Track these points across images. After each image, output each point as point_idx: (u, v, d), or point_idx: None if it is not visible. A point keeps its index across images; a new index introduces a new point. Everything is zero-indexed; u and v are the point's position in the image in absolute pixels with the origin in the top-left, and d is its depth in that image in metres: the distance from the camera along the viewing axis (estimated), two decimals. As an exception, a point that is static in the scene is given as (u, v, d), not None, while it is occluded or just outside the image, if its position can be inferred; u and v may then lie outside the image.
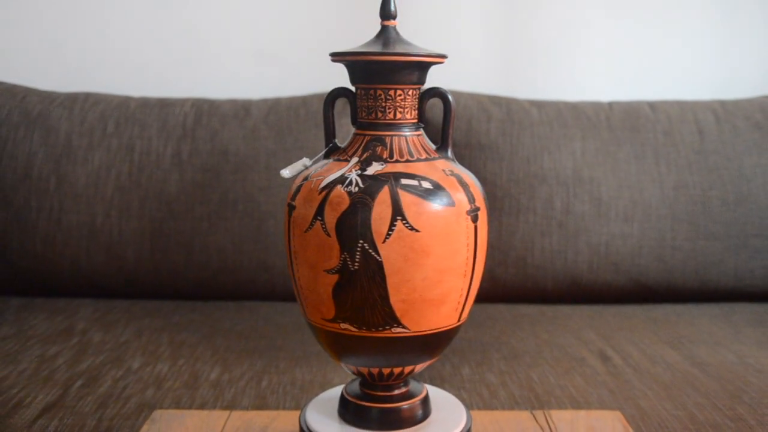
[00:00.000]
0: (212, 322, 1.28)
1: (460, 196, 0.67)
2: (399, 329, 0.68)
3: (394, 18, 0.72)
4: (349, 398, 0.75)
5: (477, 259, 0.69)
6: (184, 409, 0.91)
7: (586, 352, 1.16)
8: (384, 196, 0.65)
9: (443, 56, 0.71)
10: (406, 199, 0.65)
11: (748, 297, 1.44)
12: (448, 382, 1.06)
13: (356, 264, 0.65)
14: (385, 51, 0.68)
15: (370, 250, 0.65)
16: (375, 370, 0.72)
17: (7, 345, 1.15)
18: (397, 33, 0.71)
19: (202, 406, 0.96)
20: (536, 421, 0.82)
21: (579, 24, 1.67)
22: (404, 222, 0.64)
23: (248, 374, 1.06)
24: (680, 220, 1.40)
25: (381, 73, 0.69)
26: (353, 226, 0.65)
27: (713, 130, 1.45)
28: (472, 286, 0.70)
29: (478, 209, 0.68)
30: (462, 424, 0.75)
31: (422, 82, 0.72)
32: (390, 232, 0.64)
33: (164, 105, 1.45)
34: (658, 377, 1.06)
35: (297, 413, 0.83)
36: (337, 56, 0.70)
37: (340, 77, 1.45)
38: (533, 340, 1.21)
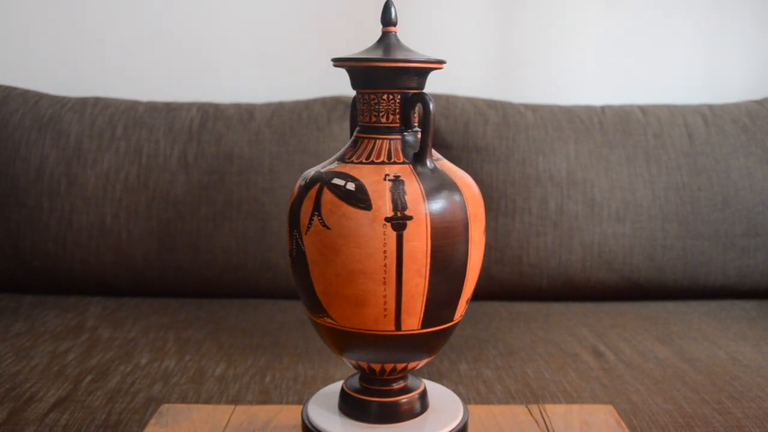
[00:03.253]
0: (217, 319, 1.28)
1: (382, 203, 0.65)
2: (329, 320, 0.70)
3: (395, 25, 0.72)
4: (349, 392, 0.76)
5: (404, 267, 0.66)
6: (190, 404, 0.91)
7: (580, 348, 1.17)
8: (313, 192, 0.68)
9: (442, 62, 0.71)
10: (326, 197, 0.67)
11: (736, 294, 1.44)
12: (446, 377, 1.06)
13: (294, 250, 0.70)
14: (386, 57, 0.68)
15: (299, 240, 0.69)
16: (373, 365, 0.73)
17: (20, 341, 1.16)
18: (398, 39, 0.71)
19: (207, 401, 0.97)
20: (531, 415, 0.82)
21: (573, 31, 1.67)
22: (319, 218, 0.67)
23: (252, 370, 1.07)
24: (670, 220, 1.40)
25: (379, 79, 0.70)
26: (292, 216, 0.70)
27: (702, 133, 1.45)
28: (403, 296, 0.67)
29: (407, 218, 0.65)
30: (459, 418, 0.75)
31: (421, 88, 0.72)
32: (309, 226, 0.68)
33: (171, 109, 1.45)
34: (649, 372, 1.07)
35: (299, 407, 0.83)
36: (338, 62, 0.71)
37: (341, 82, 1.47)
38: (528, 337, 1.21)
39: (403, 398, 0.75)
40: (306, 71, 1.64)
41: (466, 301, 0.72)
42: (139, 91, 1.60)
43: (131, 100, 1.49)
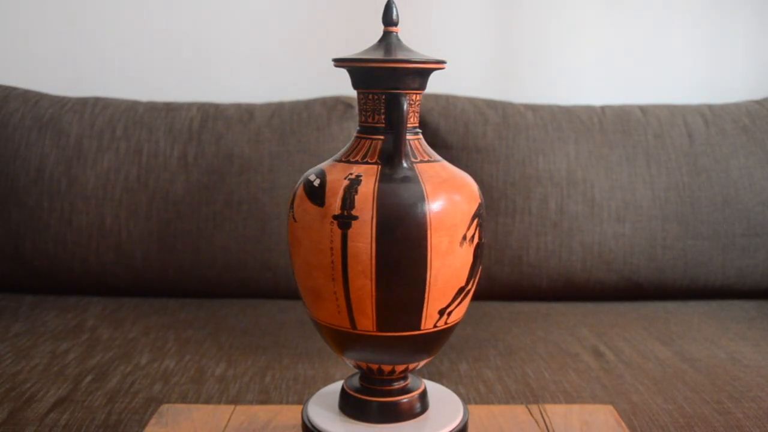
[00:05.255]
0: (217, 319, 1.28)
1: (334, 201, 0.67)
2: (306, 308, 0.73)
3: (396, 25, 0.71)
4: (349, 392, 0.76)
5: (350, 267, 0.67)
6: (190, 404, 0.91)
7: (580, 348, 1.17)
8: (297, 186, 0.72)
9: (442, 62, 0.70)
10: (299, 191, 0.70)
11: (736, 294, 1.44)
12: (446, 377, 1.07)
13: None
14: (387, 57, 0.68)
15: (287, 230, 0.73)
16: (375, 366, 0.73)
17: (20, 341, 1.16)
18: (399, 39, 0.71)
19: (207, 401, 0.97)
20: (531, 415, 0.82)
21: (573, 31, 1.67)
22: (291, 211, 0.71)
23: (252, 370, 1.07)
24: (670, 220, 1.40)
25: (381, 79, 0.70)
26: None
27: (702, 133, 1.45)
28: (352, 295, 0.68)
29: (353, 218, 0.66)
30: (459, 418, 0.75)
31: (423, 88, 0.72)
32: (288, 216, 0.72)
33: (171, 109, 1.45)
34: (649, 372, 1.07)
35: (299, 407, 0.83)
36: (339, 62, 0.71)
37: (341, 82, 1.47)
38: (529, 337, 1.22)
39: (404, 398, 0.75)
40: (306, 71, 1.64)
41: (439, 311, 0.70)
42: (139, 91, 1.60)
43: (131, 100, 1.49)
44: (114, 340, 1.17)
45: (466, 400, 0.99)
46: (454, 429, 0.74)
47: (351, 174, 0.68)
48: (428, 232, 0.67)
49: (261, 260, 1.38)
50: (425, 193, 0.67)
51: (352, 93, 1.38)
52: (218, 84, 1.64)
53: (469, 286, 0.71)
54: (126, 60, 1.64)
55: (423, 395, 0.77)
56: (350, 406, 0.76)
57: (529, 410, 0.84)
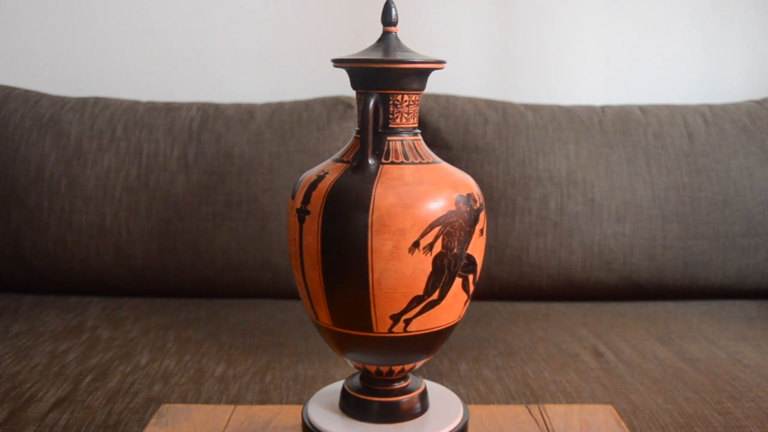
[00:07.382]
0: (217, 319, 1.28)
1: (300, 195, 0.70)
2: None
3: (395, 25, 0.71)
4: (350, 392, 0.76)
5: (304, 259, 0.69)
6: (190, 404, 0.91)
7: (580, 348, 1.17)
8: None
9: (442, 62, 0.70)
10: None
11: (736, 294, 1.44)
12: (446, 377, 1.06)
13: None
14: (386, 58, 0.68)
15: None
16: (373, 367, 0.73)
17: (20, 341, 1.16)
18: (398, 39, 0.71)
19: (207, 401, 0.97)
20: (531, 415, 0.82)
21: (573, 31, 1.67)
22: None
23: (252, 370, 1.07)
24: (670, 220, 1.40)
25: (379, 80, 0.69)
26: None
27: (702, 133, 1.45)
28: (308, 285, 0.70)
29: (306, 213, 0.68)
30: (459, 418, 0.76)
31: (422, 88, 0.72)
32: None
33: (171, 109, 1.45)
34: (649, 372, 1.07)
35: (300, 407, 0.83)
36: (338, 62, 0.71)
37: (341, 82, 1.48)
38: (528, 337, 1.22)
39: (404, 398, 0.75)
40: (306, 71, 1.64)
41: (392, 317, 0.68)
42: (139, 91, 1.60)
43: (131, 100, 1.49)
44: (114, 340, 1.17)
45: (466, 400, 0.99)
46: (454, 429, 0.74)
47: (322, 171, 0.70)
48: (369, 233, 0.66)
49: (261, 260, 1.38)
50: (372, 195, 0.67)
51: (352, 93, 1.38)
52: (218, 84, 1.64)
53: (433, 297, 0.69)
54: (126, 60, 1.64)
55: (423, 395, 0.77)
56: (351, 406, 0.76)
57: (529, 410, 0.84)
